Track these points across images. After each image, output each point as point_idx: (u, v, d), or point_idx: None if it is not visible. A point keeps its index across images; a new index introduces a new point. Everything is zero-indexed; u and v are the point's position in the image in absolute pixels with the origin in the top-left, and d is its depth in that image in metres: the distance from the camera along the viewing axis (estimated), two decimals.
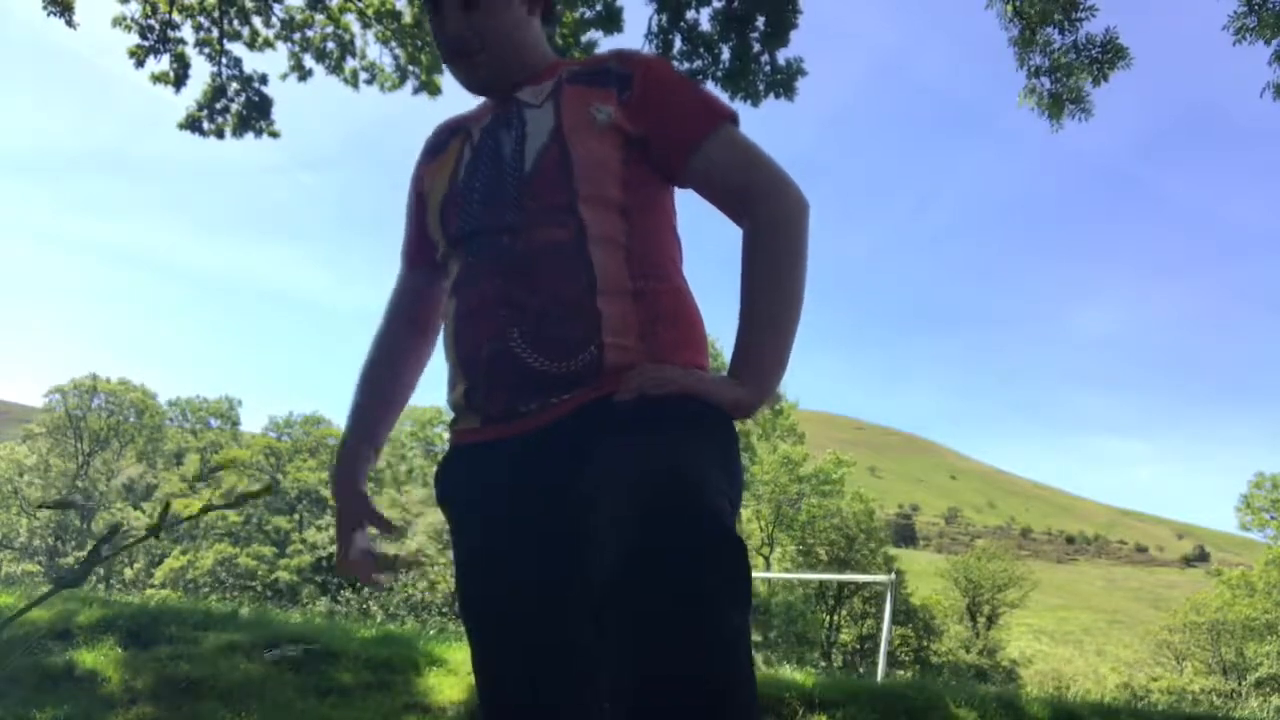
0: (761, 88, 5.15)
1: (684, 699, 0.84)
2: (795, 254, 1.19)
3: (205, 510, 0.83)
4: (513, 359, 1.15)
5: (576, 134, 1.20)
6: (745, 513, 32.01)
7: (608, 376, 1.13)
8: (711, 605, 0.87)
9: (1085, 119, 4.60)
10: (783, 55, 5.14)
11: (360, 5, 6.79)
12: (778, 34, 5.00)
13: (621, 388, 1.10)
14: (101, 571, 30.82)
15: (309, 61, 6.92)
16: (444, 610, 24.13)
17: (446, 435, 1.31)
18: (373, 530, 1.38)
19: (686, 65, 5.12)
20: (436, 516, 29.01)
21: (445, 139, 1.37)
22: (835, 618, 30.17)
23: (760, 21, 5.00)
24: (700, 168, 1.22)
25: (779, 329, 1.18)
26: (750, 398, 1.15)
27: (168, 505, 0.80)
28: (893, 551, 36.92)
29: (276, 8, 6.79)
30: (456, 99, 1.41)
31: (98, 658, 3.37)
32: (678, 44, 5.10)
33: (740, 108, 5.50)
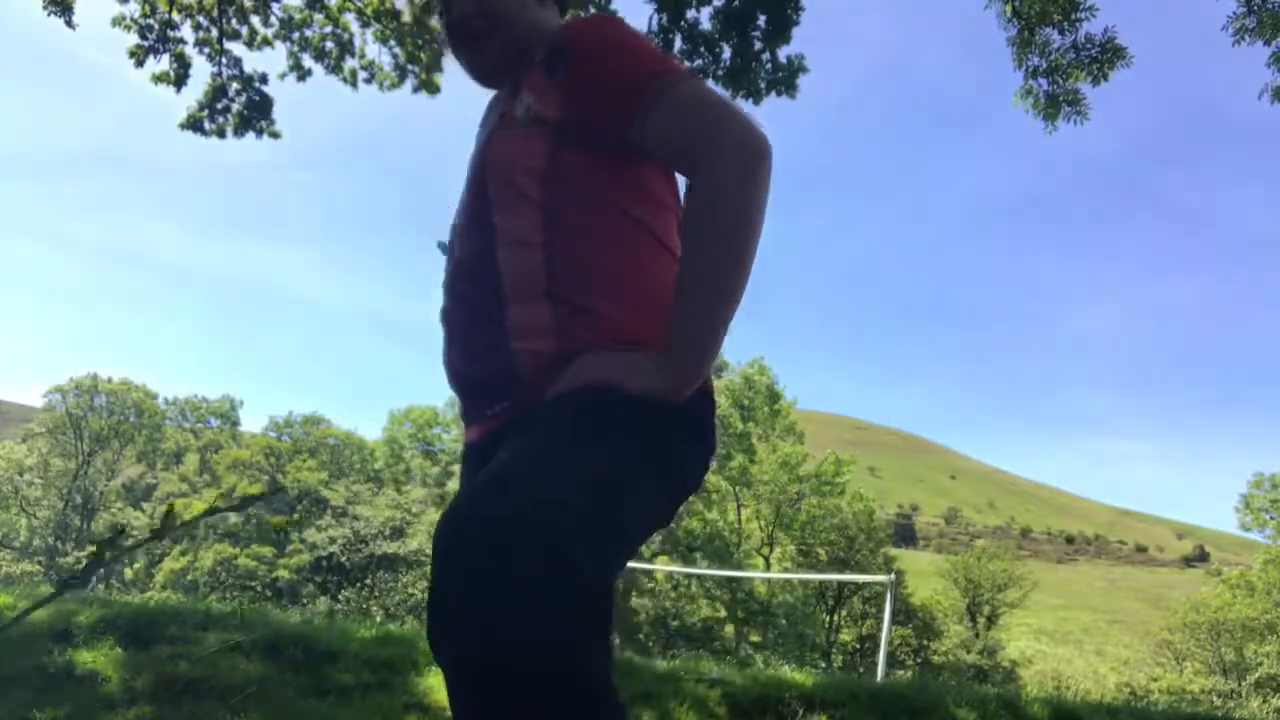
0: (763, 86, 5.14)
1: (475, 698, 0.84)
2: (731, 223, 1.04)
3: (208, 513, 0.83)
4: (454, 367, 1.23)
5: (499, 135, 1.18)
6: (745, 512, 32.00)
7: (528, 381, 1.13)
8: (499, 606, 0.83)
9: (1081, 122, 4.59)
10: (783, 53, 5.13)
11: (359, 4, 6.78)
12: (779, 31, 4.99)
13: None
14: (102, 571, 30.80)
15: (308, 61, 6.92)
16: None
17: (445, 436, 1.36)
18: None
19: (687, 64, 5.11)
20: (436, 516, 28.97)
21: None
22: (835, 618, 30.17)
23: (761, 20, 4.99)
24: (640, 141, 1.11)
25: (706, 308, 1.05)
26: (667, 383, 1.05)
27: (171, 509, 0.80)
28: (893, 551, 36.91)
29: (275, 7, 6.79)
30: (455, 98, 1.42)
31: (98, 658, 3.36)
32: (678, 43, 5.10)
33: (744, 104, 5.50)
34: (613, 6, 5.21)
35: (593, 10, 5.15)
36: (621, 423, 1.04)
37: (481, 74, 1.32)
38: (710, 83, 5.29)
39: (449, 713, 3.39)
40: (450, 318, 1.24)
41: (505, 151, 1.17)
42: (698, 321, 1.05)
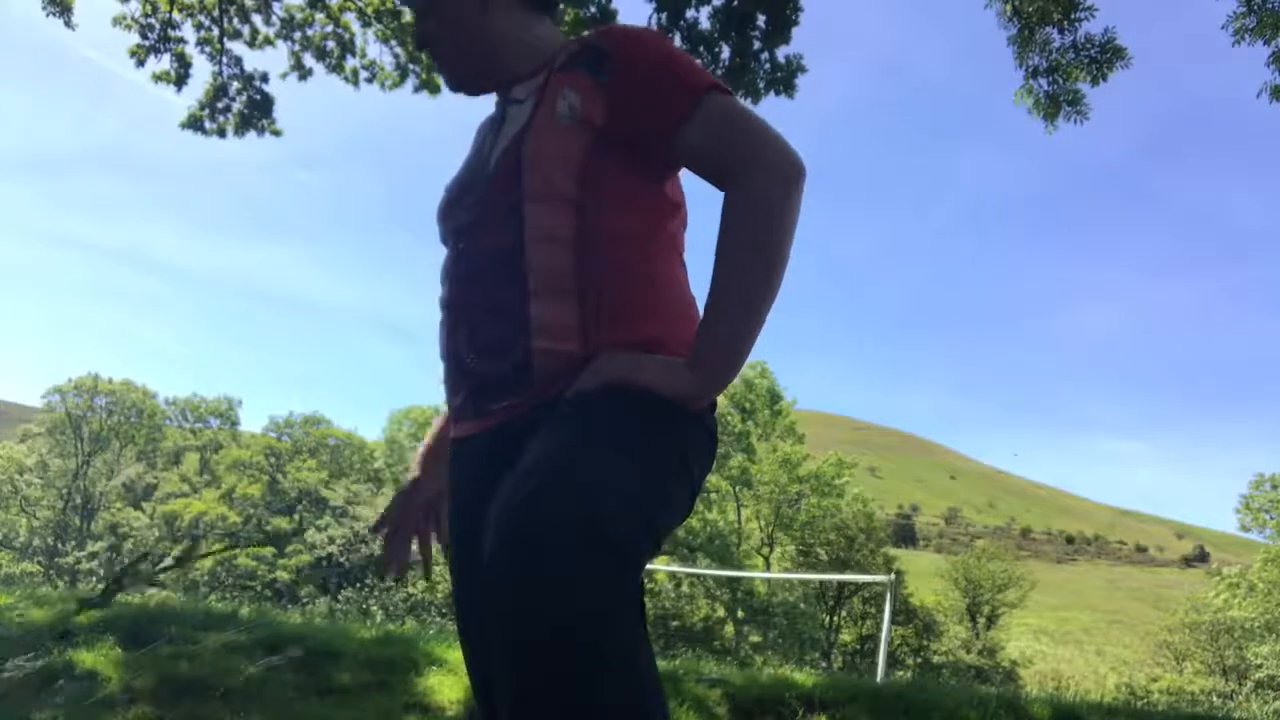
0: (761, 85, 5.15)
1: (531, 683, 0.84)
2: (767, 238, 1.08)
3: (230, 549, 0.83)
4: (459, 360, 1.22)
5: (539, 130, 1.19)
6: (745, 512, 32.03)
7: (544, 380, 1.13)
8: (539, 620, 0.83)
9: (1081, 122, 4.59)
10: (782, 53, 5.14)
11: (360, 4, 6.79)
12: (779, 31, 4.99)
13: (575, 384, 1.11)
14: (101, 572, 30.78)
15: (309, 60, 6.93)
16: (444, 610, 24.13)
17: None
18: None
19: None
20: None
21: (479, 132, 1.39)
22: (835, 618, 30.17)
23: (761, 20, 4.99)
24: (681, 153, 1.14)
25: (736, 320, 1.08)
26: (694, 387, 1.08)
27: (196, 540, 0.80)
28: (893, 552, 36.90)
29: (276, 6, 6.79)
30: (456, 98, 1.41)
31: (98, 658, 3.36)
32: (677, 43, 5.10)
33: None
34: (613, 6, 5.21)
35: (594, 10, 5.15)
36: (651, 422, 1.06)
37: (451, 85, 1.36)
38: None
39: (449, 712, 3.41)
40: (459, 308, 1.23)
41: (546, 147, 1.17)
42: (727, 332, 1.08)
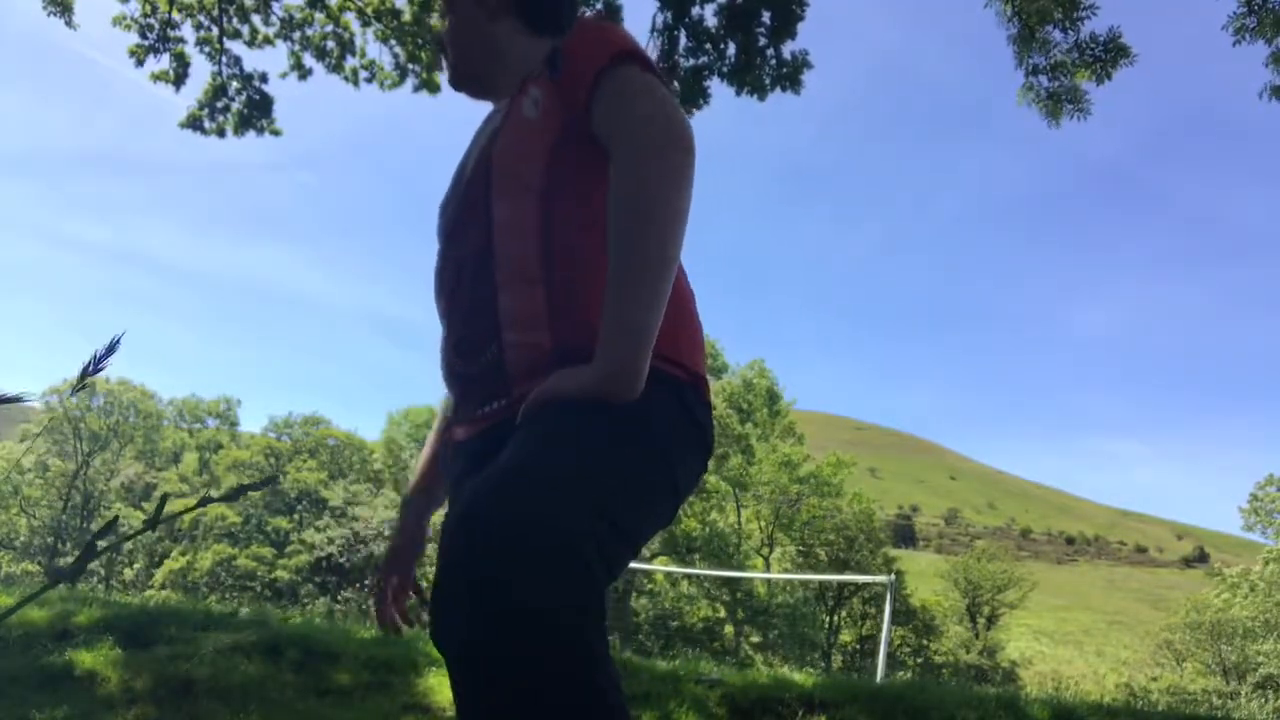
0: (768, 82, 5.14)
1: (486, 697, 0.82)
2: (643, 218, 1.02)
3: (202, 503, 0.82)
4: (448, 363, 1.23)
5: (506, 130, 1.20)
6: (745, 513, 32.02)
7: (519, 377, 1.11)
8: (510, 605, 0.82)
9: (1083, 119, 4.60)
10: (788, 49, 5.13)
11: (360, 3, 6.78)
12: (785, 27, 4.99)
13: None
14: (102, 572, 30.77)
15: (309, 60, 6.92)
16: None
17: None
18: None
19: (691, 61, 5.11)
20: (435, 517, 28.93)
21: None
22: (835, 618, 30.19)
23: (766, 16, 4.99)
24: (597, 133, 1.12)
25: (624, 302, 1.01)
26: (594, 382, 1.01)
27: (164, 499, 0.79)
28: (892, 552, 36.90)
29: (276, 6, 6.78)
30: (456, 98, 1.43)
31: (97, 658, 3.36)
32: (683, 40, 5.09)
33: (746, 103, 5.48)
34: (618, 3, 5.20)
35: (599, 6, 5.15)
36: (616, 422, 1.02)
37: (452, 81, 1.42)
38: (715, 80, 5.29)
39: (449, 713, 3.40)
40: (446, 314, 1.24)
41: (510, 144, 1.18)
42: (617, 320, 1.01)
